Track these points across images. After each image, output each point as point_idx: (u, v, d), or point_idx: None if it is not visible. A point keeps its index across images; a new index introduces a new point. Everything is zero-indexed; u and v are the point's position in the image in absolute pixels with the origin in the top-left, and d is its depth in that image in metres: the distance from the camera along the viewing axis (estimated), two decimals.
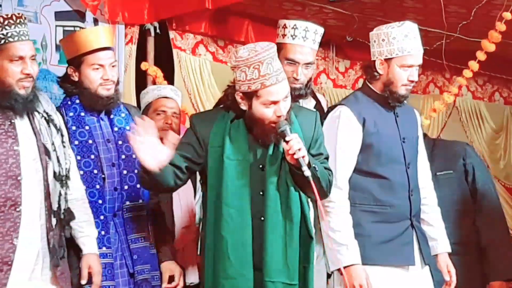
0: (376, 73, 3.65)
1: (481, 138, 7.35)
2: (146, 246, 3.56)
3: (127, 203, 3.53)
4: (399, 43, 3.58)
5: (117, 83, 3.60)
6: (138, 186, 3.55)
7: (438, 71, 6.97)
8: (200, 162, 3.28)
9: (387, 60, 3.61)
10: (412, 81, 3.63)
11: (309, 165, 3.13)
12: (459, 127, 7.23)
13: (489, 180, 4.57)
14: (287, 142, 3.13)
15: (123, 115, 3.64)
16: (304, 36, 3.80)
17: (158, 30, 5.47)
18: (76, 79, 3.54)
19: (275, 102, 3.15)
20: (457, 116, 7.25)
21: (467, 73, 5.16)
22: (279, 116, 3.16)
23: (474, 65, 5.10)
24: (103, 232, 3.47)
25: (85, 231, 3.38)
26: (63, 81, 3.62)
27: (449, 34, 5.39)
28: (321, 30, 3.87)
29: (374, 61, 3.65)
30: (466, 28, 5.35)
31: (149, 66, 5.44)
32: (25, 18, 3.23)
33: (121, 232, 3.52)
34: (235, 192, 3.19)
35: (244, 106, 3.21)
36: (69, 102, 3.57)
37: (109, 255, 3.46)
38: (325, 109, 4.01)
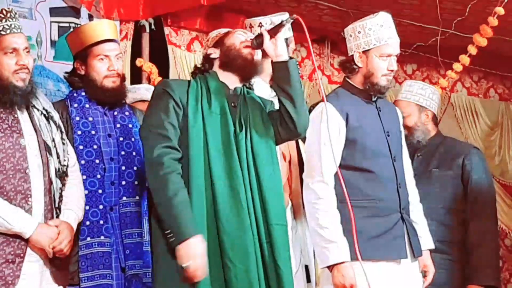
0: (355, 66, 3.66)
1: (476, 134, 7.34)
2: (139, 242, 3.54)
3: (124, 198, 3.53)
4: (376, 33, 3.61)
5: (123, 78, 3.63)
6: (136, 182, 3.56)
7: (433, 68, 6.94)
8: None
9: (365, 52, 3.64)
10: (391, 71, 3.65)
11: None
12: (454, 123, 7.21)
13: (487, 186, 4.43)
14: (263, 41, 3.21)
15: (126, 113, 3.66)
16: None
17: (153, 26, 5.47)
18: (83, 72, 3.59)
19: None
20: (452, 112, 7.24)
21: (457, 66, 5.17)
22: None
23: (465, 59, 5.10)
24: (101, 222, 3.46)
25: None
26: (70, 75, 3.66)
27: (444, 30, 5.39)
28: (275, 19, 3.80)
29: (352, 55, 3.67)
30: (461, 24, 5.35)
31: (144, 62, 5.44)
32: (15, 13, 3.27)
33: (116, 226, 3.51)
34: None
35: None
36: (75, 94, 3.60)
37: (107, 244, 3.45)
38: None
